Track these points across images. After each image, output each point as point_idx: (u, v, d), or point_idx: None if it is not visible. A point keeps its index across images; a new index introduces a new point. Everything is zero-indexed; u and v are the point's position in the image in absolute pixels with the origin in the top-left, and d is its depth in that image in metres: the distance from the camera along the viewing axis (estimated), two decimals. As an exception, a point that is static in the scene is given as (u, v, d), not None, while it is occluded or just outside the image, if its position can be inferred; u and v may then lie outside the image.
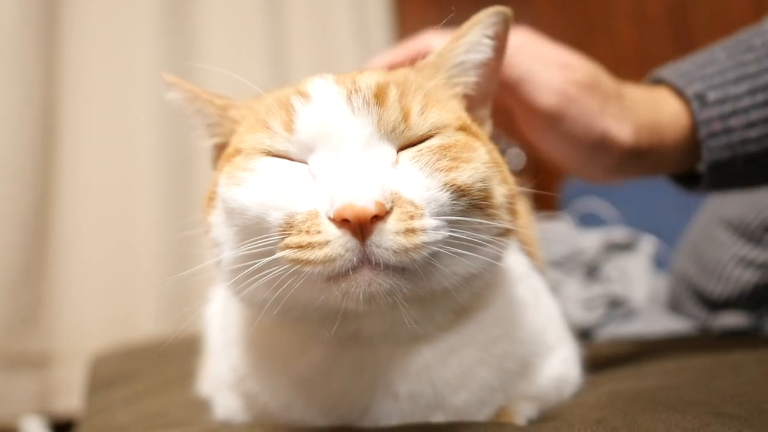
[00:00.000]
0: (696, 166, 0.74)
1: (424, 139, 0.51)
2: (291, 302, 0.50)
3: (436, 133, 0.51)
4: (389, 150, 0.49)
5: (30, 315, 1.70)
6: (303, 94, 0.51)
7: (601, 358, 0.91)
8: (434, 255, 0.46)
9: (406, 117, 0.50)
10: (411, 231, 0.45)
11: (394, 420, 0.55)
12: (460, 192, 0.48)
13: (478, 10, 0.55)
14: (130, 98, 1.87)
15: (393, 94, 0.50)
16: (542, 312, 0.66)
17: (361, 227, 0.44)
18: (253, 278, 0.48)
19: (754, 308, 1.21)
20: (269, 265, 0.47)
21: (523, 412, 0.60)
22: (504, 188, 0.53)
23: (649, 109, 0.71)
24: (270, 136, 0.51)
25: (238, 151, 0.53)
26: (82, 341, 1.71)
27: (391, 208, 0.45)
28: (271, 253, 0.47)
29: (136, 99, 1.87)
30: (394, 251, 0.44)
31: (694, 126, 0.71)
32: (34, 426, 1.64)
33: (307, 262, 0.45)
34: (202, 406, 0.75)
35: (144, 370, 1.12)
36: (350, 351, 0.55)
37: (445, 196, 0.48)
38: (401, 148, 0.50)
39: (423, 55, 0.57)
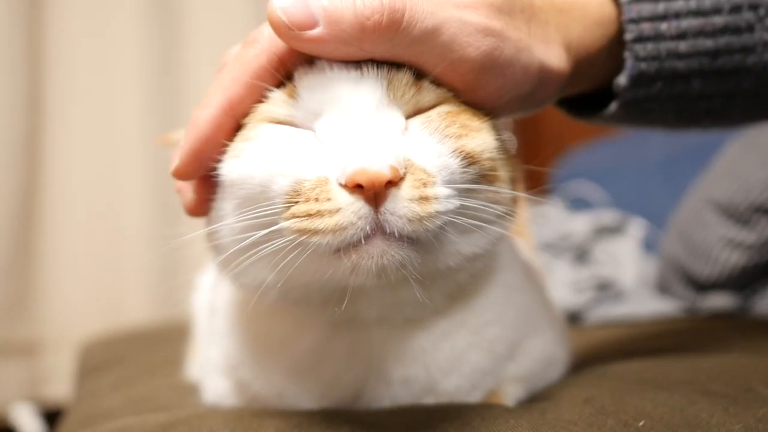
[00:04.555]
0: (615, 80, 0.61)
1: (431, 107, 0.49)
2: (291, 281, 0.47)
3: (443, 101, 0.50)
4: (398, 116, 0.47)
5: (18, 302, 1.70)
6: (308, 63, 0.49)
7: (590, 340, 0.91)
8: (443, 228, 0.45)
9: (419, 90, 0.48)
10: (425, 198, 0.43)
11: (386, 404, 0.55)
12: (470, 159, 0.47)
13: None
14: (116, 86, 1.86)
15: (405, 72, 0.48)
16: (529, 294, 0.66)
17: (375, 193, 0.41)
18: (252, 252, 0.46)
19: (741, 289, 1.22)
20: (271, 236, 0.44)
21: (512, 394, 0.60)
22: (507, 170, 0.52)
23: (565, 24, 0.56)
24: (273, 103, 0.49)
25: (241, 126, 0.51)
26: (70, 328, 1.71)
27: (404, 175, 0.43)
28: (273, 224, 0.44)
29: (123, 87, 1.86)
30: (409, 219, 0.42)
31: (620, 28, 0.59)
32: (25, 413, 1.64)
33: (315, 232, 0.42)
34: (190, 390, 0.75)
35: (132, 356, 1.11)
36: (343, 336, 0.55)
37: (455, 163, 0.46)
38: (409, 116, 0.48)
39: None
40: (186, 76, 1.93)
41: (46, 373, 1.71)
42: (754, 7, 0.61)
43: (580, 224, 1.60)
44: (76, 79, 1.82)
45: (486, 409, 0.52)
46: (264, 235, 0.45)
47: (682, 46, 0.60)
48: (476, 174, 0.47)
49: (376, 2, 0.44)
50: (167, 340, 1.15)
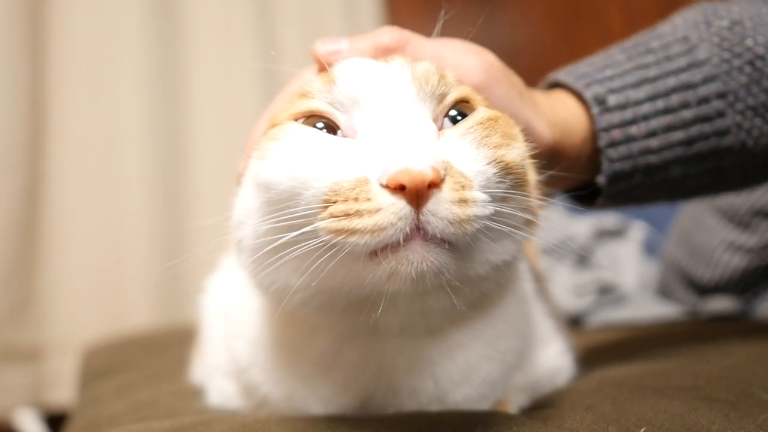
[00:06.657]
0: (595, 179, 0.69)
1: (457, 103, 0.50)
2: (318, 286, 0.46)
3: (469, 100, 0.51)
4: (430, 118, 0.48)
5: (21, 307, 1.70)
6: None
7: (592, 345, 0.92)
8: (478, 233, 0.45)
9: (442, 77, 0.50)
10: (464, 201, 0.43)
11: (392, 412, 0.55)
12: (507, 169, 0.47)
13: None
14: (117, 88, 1.86)
15: (426, 62, 0.52)
16: (539, 304, 0.67)
17: (417, 194, 0.41)
18: (281, 254, 0.45)
19: (742, 293, 1.22)
20: (303, 237, 0.44)
21: (515, 402, 0.60)
22: (533, 172, 0.53)
23: (552, 108, 0.64)
24: (309, 98, 0.50)
25: (274, 125, 0.52)
26: (73, 333, 1.71)
27: (444, 176, 0.43)
28: (305, 225, 0.44)
29: (124, 89, 1.86)
30: (450, 221, 0.42)
31: (594, 134, 0.66)
32: (28, 418, 1.64)
33: (353, 232, 0.42)
34: (195, 395, 0.76)
35: (136, 361, 1.12)
36: (356, 344, 0.55)
37: (491, 171, 0.46)
38: (439, 115, 0.50)
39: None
40: (188, 83, 1.93)
41: (50, 378, 1.71)
42: (722, 96, 0.66)
43: (581, 227, 1.60)
44: (79, 85, 1.82)
45: (489, 417, 0.52)
46: (296, 236, 0.44)
47: (654, 142, 0.66)
48: (512, 183, 0.48)
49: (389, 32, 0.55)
50: (171, 345, 1.15)
